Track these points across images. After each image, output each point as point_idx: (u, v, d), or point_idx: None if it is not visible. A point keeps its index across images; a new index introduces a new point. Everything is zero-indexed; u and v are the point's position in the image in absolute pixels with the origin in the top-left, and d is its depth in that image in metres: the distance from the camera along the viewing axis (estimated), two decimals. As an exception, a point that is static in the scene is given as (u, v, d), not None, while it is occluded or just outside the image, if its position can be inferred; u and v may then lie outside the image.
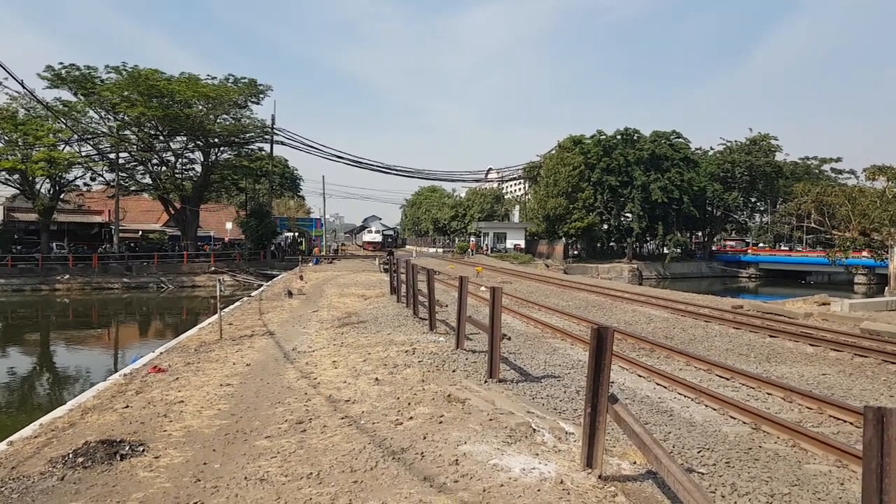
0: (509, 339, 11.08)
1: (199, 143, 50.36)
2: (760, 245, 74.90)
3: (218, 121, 49.71)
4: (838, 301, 19.92)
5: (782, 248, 73.15)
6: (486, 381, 8.79)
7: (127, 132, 47.70)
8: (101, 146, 47.95)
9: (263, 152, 56.52)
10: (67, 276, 40.67)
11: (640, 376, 9.66)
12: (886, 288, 35.85)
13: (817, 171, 77.58)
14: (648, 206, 62.52)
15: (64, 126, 43.16)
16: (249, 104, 50.89)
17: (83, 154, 46.83)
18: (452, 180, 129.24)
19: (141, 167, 51.19)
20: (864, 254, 44.23)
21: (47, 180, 45.29)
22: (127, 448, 6.21)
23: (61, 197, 48.66)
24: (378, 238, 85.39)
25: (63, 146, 44.60)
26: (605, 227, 68.16)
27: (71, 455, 6.05)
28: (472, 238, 73.49)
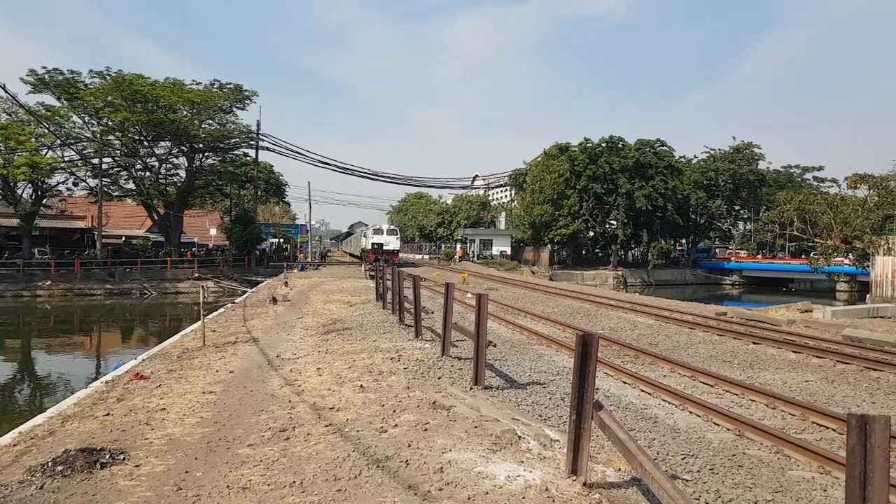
0: (495, 345, 11.06)
1: (183, 148, 50.06)
2: (742, 252, 75.63)
3: (203, 126, 49.44)
4: (821, 308, 20.11)
5: (765, 255, 73.78)
6: (471, 388, 8.77)
7: (111, 137, 47.31)
8: (84, 151, 47.52)
9: (248, 158, 56.29)
10: (49, 283, 40.17)
11: (624, 383, 9.69)
12: (868, 295, 36.24)
13: (800, 179, 78.58)
14: (633, 213, 63.00)
15: (46, 131, 42.74)
16: (235, 110, 50.67)
17: (66, 159, 46.39)
18: (439, 187, 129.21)
19: (125, 172, 50.79)
20: (846, 261, 44.77)
21: (29, 185, 44.79)
22: (107, 456, 6.12)
23: (43, 202, 48.17)
24: (393, 244, 53.21)
25: (46, 151, 44.15)
26: (591, 234, 68.57)
27: (50, 463, 5.96)
28: (459, 245, 73.55)
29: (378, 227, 54.60)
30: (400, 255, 56.13)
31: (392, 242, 51.66)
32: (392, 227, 56.59)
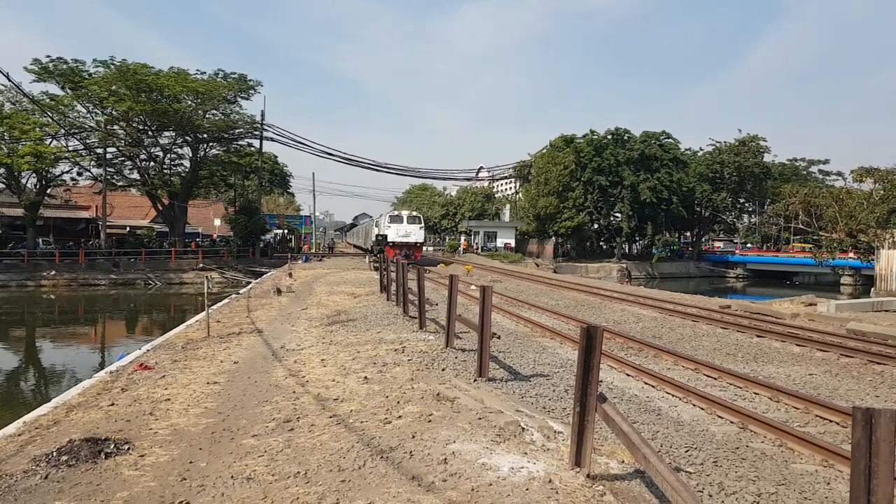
0: (499, 337, 11.08)
1: (187, 138, 50.07)
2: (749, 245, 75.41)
3: (207, 116, 49.45)
4: (825, 302, 20.05)
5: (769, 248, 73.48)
6: (475, 380, 8.78)
7: (115, 127, 47.33)
8: (88, 141, 47.55)
9: (252, 148, 56.27)
10: (54, 272, 40.29)
11: (628, 375, 9.68)
12: (872, 289, 36.09)
13: (805, 172, 78.24)
14: (637, 206, 62.84)
15: (51, 120, 42.73)
16: (239, 100, 50.71)
17: (70, 149, 46.41)
18: (443, 178, 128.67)
19: (129, 162, 50.86)
20: (851, 255, 44.58)
21: (33, 175, 44.84)
22: (112, 446, 6.14)
23: (48, 192, 48.24)
24: (416, 235, 41.71)
25: (50, 140, 44.18)
26: (595, 226, 68.44)
27: (55, 453, 5.98)
28: (463, 237, 73.48)
29: (396, 213, 43.55)
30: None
31: (415, 233, 41.11)
32: (415, 213, 44.67)
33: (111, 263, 43.48)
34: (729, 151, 69.01)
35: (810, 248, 63.55)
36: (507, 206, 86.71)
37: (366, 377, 9.04)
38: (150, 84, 43.82)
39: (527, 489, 4.93)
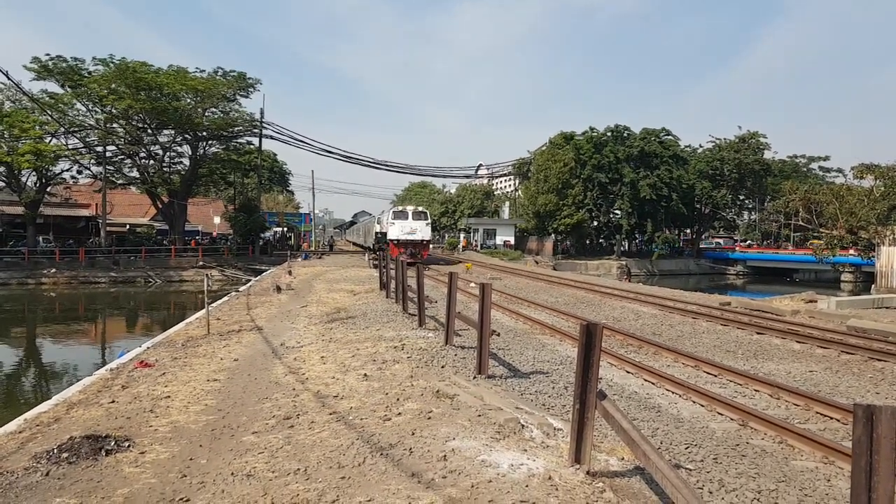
0: (498, 335, 11.05)
1: (187, 136, 50.04)
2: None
3: (206, 114, 49.41)
4: (825, 299, 20.03)
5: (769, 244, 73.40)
6: (475, 377, 8.78)
7: (114, 125, 47.33)
8: (88, 139, 47.53)
9: (252, 146, 56.22)
10: (54, 270, 40.32)
11: (628, 372, 9.68)
12: (873, 286, 36.12)
13: (805, 169, 78.22)
14: (637, 203, 62.82)
15: (50, 118, 42.69)
16: (238, 98, 50.68)
17: (70, 147, 46.39)
18: (443, 176, 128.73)
19: (128, 160, 50.82)
20: (851, 252, 44.60)
21: (33, 173, 44.87)
22: (112, 443, 6.14)
23: (48, 190, 48.25)
24: (422, 232, 37.98)
25: (50, 139, 44.16)
26: (595, 223, 68.41)
27: (55, 450, 5.98)
28: (463, 234, 73.44)
29: (400, 208, 40.28)
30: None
31: (421, 230, 37.53)
32: (420, 208, 41.79)
33: (111, 261, 43.49)
34: (729, 148, 68.92)
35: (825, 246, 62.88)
36: (507, 204, 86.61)
37: (365, 374, 9.04)
38: (149, 82, 43.80)
39: (526, 486, 4.93)
